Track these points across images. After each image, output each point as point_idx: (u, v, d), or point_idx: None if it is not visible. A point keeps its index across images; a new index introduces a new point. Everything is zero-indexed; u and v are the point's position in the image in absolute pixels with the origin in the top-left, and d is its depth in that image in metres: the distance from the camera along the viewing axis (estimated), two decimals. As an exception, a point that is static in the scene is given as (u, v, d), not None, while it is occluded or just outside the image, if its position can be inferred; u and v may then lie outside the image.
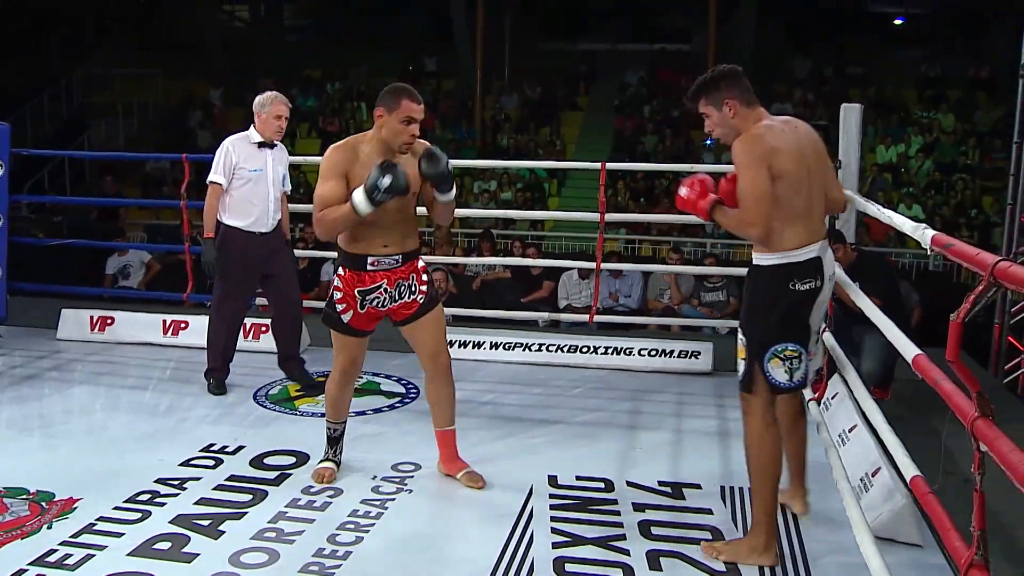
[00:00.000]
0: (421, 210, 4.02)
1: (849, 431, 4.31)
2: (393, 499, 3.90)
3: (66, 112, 18.94)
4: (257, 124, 5.33)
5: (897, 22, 22.38)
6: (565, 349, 6.15)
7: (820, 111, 15.67)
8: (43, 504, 3.77)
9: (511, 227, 13.57)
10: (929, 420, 4.82)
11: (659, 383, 5.79)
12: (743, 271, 6.83)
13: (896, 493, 3.52)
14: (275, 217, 5.40)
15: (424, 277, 3.96)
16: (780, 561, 3.37)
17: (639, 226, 13.83)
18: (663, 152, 16.58)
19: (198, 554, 3.38)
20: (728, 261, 11.89)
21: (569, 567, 3.32)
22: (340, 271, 3.84)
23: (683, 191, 3.41)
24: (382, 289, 3.82)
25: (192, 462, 4.29)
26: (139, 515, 3.69)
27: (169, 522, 3.63)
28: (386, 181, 3.52)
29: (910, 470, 2.90)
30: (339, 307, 3.85)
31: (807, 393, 3.90)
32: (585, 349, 6.13)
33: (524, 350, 6.20)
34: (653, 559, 3.39)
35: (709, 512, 3.84)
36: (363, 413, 5.02)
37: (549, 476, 4.16)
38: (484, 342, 6.24)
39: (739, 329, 3.46)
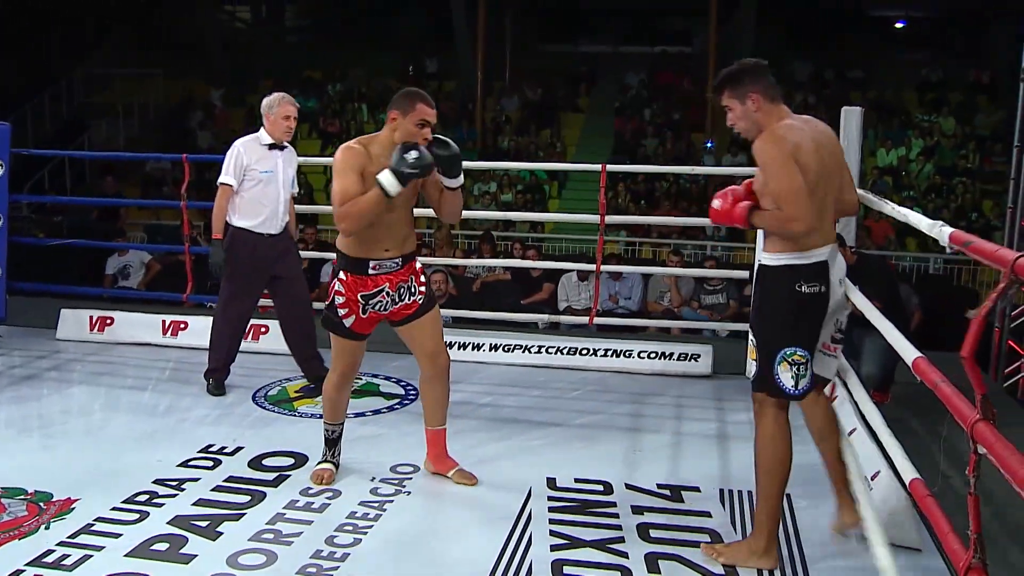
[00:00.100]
0: (418, 212, 4.02)
1: (849, 434, 4.30)
2: (391, 501, 3.90)
3: (66, 112, 18.95)
4: (266, 126, 5.32)
5: (898, 25, 22.40)
6: (564, 351, 6.15)
7: (821, 114, 15.58)
8: (41, 504, 3.76)
9: (511, 229, 13.57)
10: (929, 423, 4.82)
11: (659, 385, 5.79)
12: (744, 274, 6.89)
13: (895, 496, 3.51)
14: (284, 219, 5.40)
15: (422, 278, 3.98)
16: (780, 565, 3.37)
17: (639, 228, 13.82)
18: (663, 154, 16.57)
19: (196, 555, 3.37)
20: (728, 264, 11.88)
21: (567, 569, 3.32)
22: (342, 276, 3.83)
23: (716, 203, 3.39)
24: (384, 293, 3.83)
25: (191, 463, 4.29)
26: (137, 516, 3.68)
27: (167, 523, 3.63)
28: (412, 155, 3.58)
29: (909, 473, 2.90)
30: (341, 312, 3.84)
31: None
32: (584, 351, 6.12)
33: (523, 352, 6.19)
34: (651, 562, 3.39)
35: (708, 515, 3.84)
36: (362, 414, 5.02)
37: (548, 478, 4.15)
38: (483, 344, 6.23)
39: (749, 329, 3.44)
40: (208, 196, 15.28)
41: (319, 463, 4.15)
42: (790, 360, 3.24)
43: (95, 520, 3.63)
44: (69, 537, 3.48)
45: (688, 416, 5.20)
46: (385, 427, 4.88)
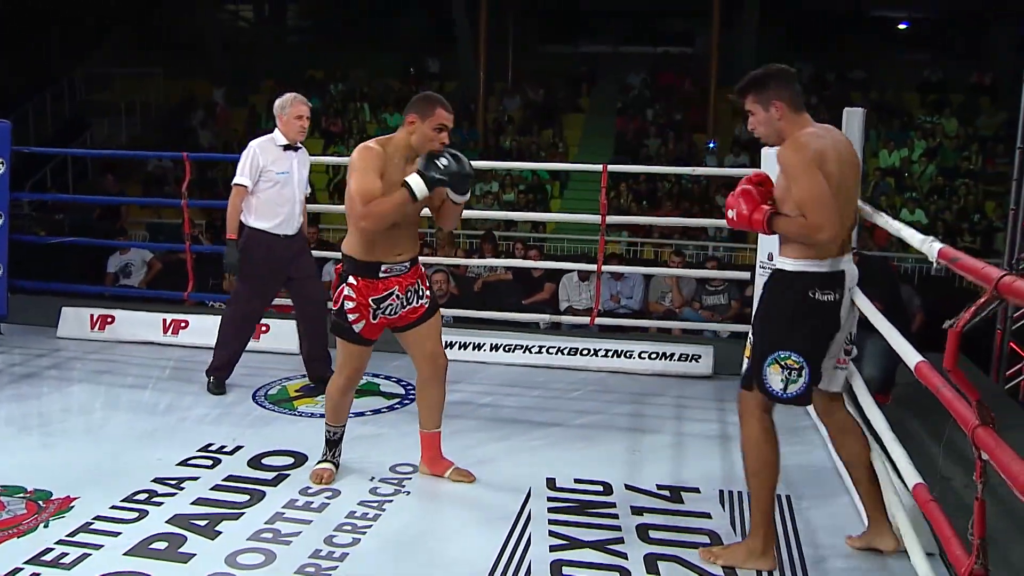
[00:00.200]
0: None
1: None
2: (391, 500, 3.89)
3: (68, 111, 18.96)
4: (279, 126, 5.32)
5: (900, 26, 22.37)
6: (565, 351, 6.14)
7: (823, 115, 15.59)
8: (40, 503, 3.76)
9: (513, 229, 13.58)
10: (930, 425, 4.81)
11: (659, 386, 5.78)
12: (745, 274, 6.87)
13: (903, 499, 3.50)
14: (300, 220, 5.40)
15: (427, 281, 3.99)
16: (779, 565, 3.36)
17: (641, 228, 13.82)
18: (665, 155, 16.57)
19: (194, 554, 3.37)
20: (730, 264, 11.89)
21: (566, 570, 3.31)
22: (351, 280, 3.80)
23: (731, 213, 3.35)
24: (394, 296, 3.83)
25: (190, 462, 4.28)
26: (136, 514, 3.68)
27: (166, 522, 3.62)
28: (443, 162, 3.62)
29: (912, 478, 2.89)
30: (351, 317, 3.82)
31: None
32: (585, 351, 6.11)
33: (524, 352, 6.18)
34: (651, 563, 3.38)
35: (707, 516, 3.83)
36: (362, 414, 5.01)
37: (547, 479, 4.14)
38: (484, 344, 6.23)
39: (751, 327, 3.43)
40: (209, 195, 15.36)
41: (319, 462, 4.14)
42: (782, 363, 3.22)
43: (94, 518, 3.62)
44: (68, 535, 3.47)
45: (688, 417, 5.20)
46: (385, 427, 4.87)
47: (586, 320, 6.47)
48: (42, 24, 19.54)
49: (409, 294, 3.87)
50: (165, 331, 6.55)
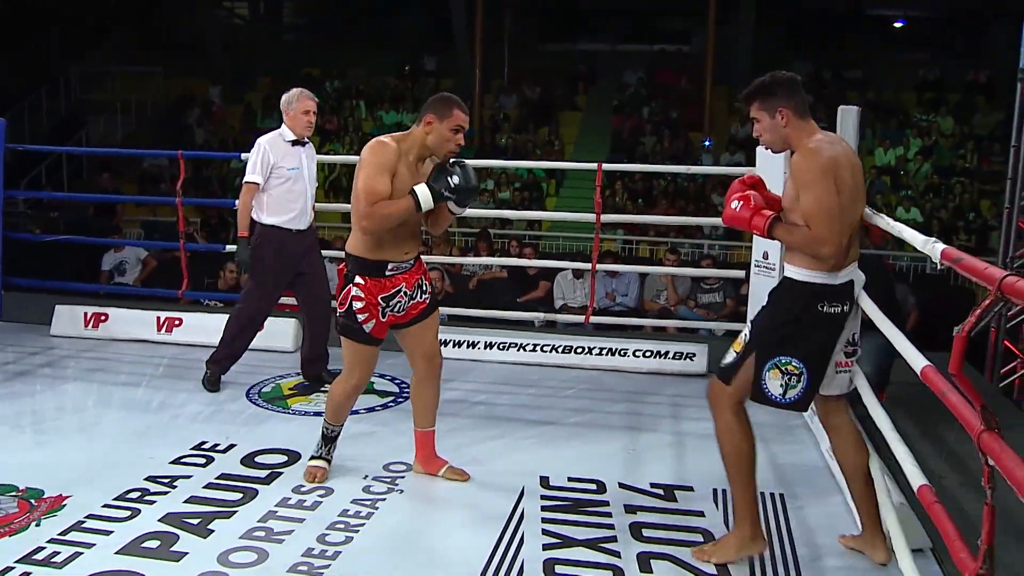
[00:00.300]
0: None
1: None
2: (384, 499, 3.88)
3: (64, 109, 18.92)
4: (287, 122, 5.31)
5: (896, 25, 22.38)
6: (559, 349, 6.14)
7: (819, 114, 15.57)
8: (32, 501, 3.75)
9: (508, 227, 13.57)
10: (925, 424, 4.82)
11: (653, 384, 5.78)
12: (740, 273, 6.86)
13: (892, 497, 3.50)
14: (311, 215, 5.40)
15: (429, 276, 4.00)
16: (772, 564, 3.36)
17: (637, 227, 13.82)
18: (661, 153, 16.56)
19: (187, 553, 3.36)
20: (725, 263, 11.88)
21: (559, 569, 3.31)
22: (359, 280, 3.77)
23: (735, 204, 3.32)
24: (402, 292, 3.82)
25: (183, 460, 4.28)
26: (128, 513, 3.67)
27: (158, 520, 3.61)
28: (455, 180, 3.63)
29: (917, 479, 2.88)
30: (360, 317, 3.78)
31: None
32: (580, 350, 6.11)
33: (518, 350, 6.18)
34: (644, 561, 3.38)
35: (701, 515, 3.82)
36: (356, 412, 4.96)
37: (541, 477, 4.14)
38: (478, 342, 6.22)
39: (749, 323, 3.41)
40: (204, 193, 15.30)
41: (313, 459, 4.11)
42: (782, 368, 3.21)
43: (86, 517, 3.61)
44: (60, 534, 3.47)
45: (683, 415, 5.19)
46: (378, 425, 4.87)
47: (581, 318, 6.47)
48: (39, 23, 19.50)
49: (414, 290, 3.87)
50: (159, 329, 6.53)
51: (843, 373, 3.38)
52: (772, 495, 3.99)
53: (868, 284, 5.10)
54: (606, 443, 4.68)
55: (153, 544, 3.42)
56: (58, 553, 3.32)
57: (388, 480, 4.07)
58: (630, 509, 3.85)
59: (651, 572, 3.31)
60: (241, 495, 3.88)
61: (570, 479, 4.15)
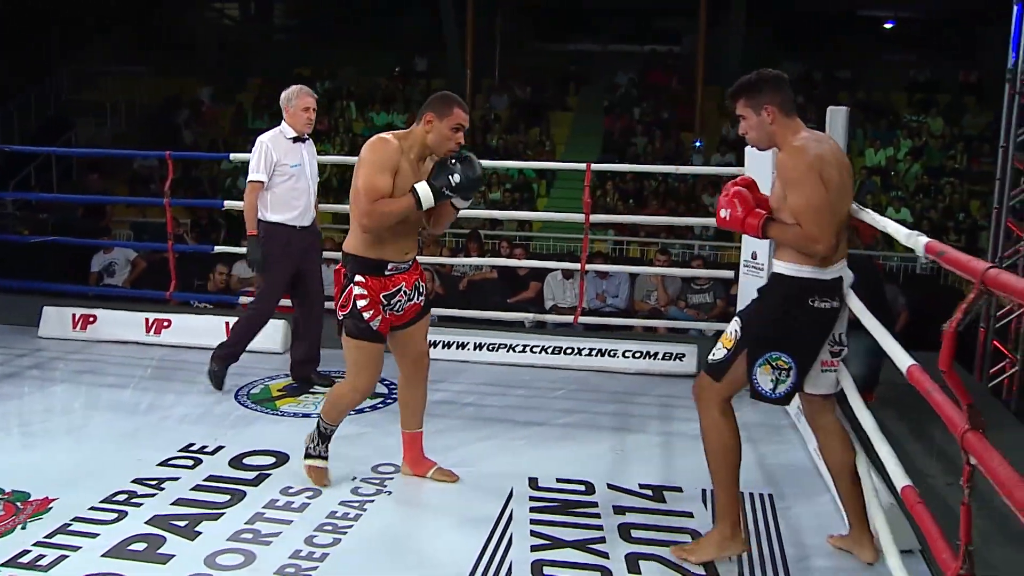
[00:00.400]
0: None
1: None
2: (372, 500, 3.87)
3: (53, 109, 18.86)
4: (287, 119, 5.29)
5: (887, 26, 22.42)
6: (549, 350, 6.13)
7: (810, 115, 15.59)
8: (18, 504, 3.73)
9: (499, 227, 13.56)
10: (914, 424, 4.82)
11: (643, 385, 5.77)
12: (730, 273, 6.86)
13: (881, 498, 3.50)
14: (314, 211, 5.39)
15: (424, 278, 3.98)
16: (749, 568, 3.36)
17: (627, 227, 13.82)
18: (653, 153, 16.58)
19: (173, 555, 3.35)
20: (716, 263, 11.89)
21: (547, 570, 3.30)
22: (360, 279, 3.73)
23: (724, 212, 3.33)
24: (402, 292, 3.79)
25: (171, 462, 4.26)
26: (115, 515, 3.65)
27: (145, 523, 3.60)
28: (456, 178, 3.60)
29: (901, 480, 2.88)
30: (366, 315, 3.73)
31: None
32: (569, 350, 6.10)
33: (508, 351, 6.17)
34: (632, 562, 3.38)
35: (689, 515, 3.82)
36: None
37: (530, 478, 4.13)
38: (467, 343, 6.21)
39: (737, 318, 3.40)
40: (194, 194, 15.24)
41: (310, 458, 4.02)
42: (773, 364, 3.21)
43: (72, 520, 3.60)
44: (46, 537, 3.45)
45: (672, 416, 5.19)
46: (367, 426, 4.85)
47: (571, 319, 6.46)
48: (30, 22, 19.44)
49: (412, 291, 3.85)
50: (147, 330, 6.51)
51: (829, 372, 3.38)
52: (760, 495, 3.99)
53: (857, 284, 5.11)
54: (595, 444, 4.68)
55: (140, 546, 3.40)
56: (43, 556, 3.30)
57: (376, 482, 4.06)
58: (618, 510, 3.84)
59: (639, 573, 3.31)
60: (229, 497, 3.87)
61: (559, 480, 4.14)
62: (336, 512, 3.73)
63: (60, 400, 5.25)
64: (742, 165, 5.62)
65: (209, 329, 6.40)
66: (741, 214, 3.27)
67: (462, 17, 19.12)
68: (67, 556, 3.31)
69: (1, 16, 17.35)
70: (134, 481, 3.99)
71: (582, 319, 6.43)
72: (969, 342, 7.10)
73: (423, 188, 3.60)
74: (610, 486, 4.09)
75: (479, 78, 19.70)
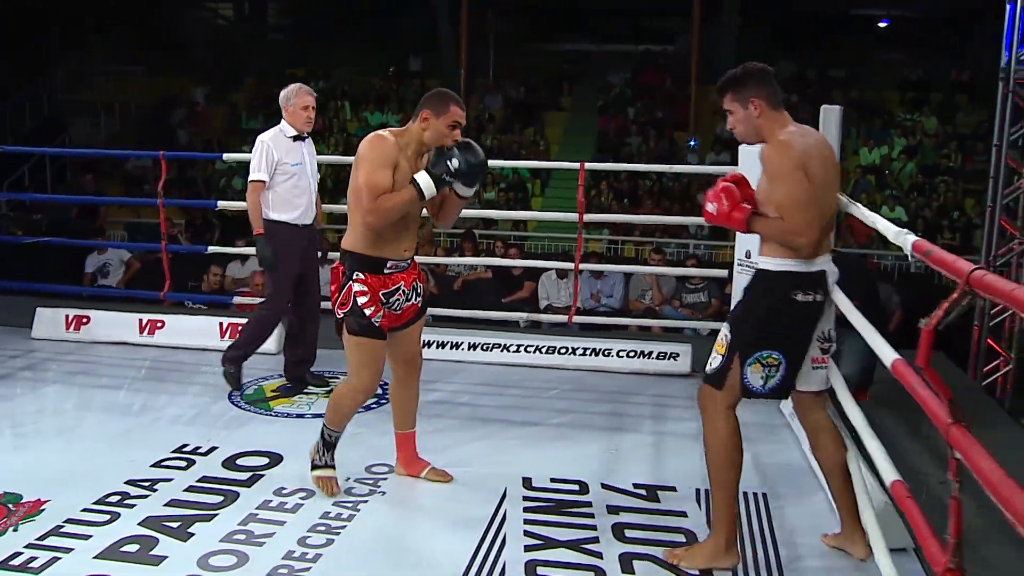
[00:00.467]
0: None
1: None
2: (366, 501, 3.86)
3: (47, 109, 18.82)
4: (286, 117, 5.28)
5: (881, 25, 22.45)
6: (543, 350, 6.12)
7: (804, 113, 15.60)
8: (10, 506, 3.71)
9: (494, 227, 13.55)
10: (908, 423, 4.82)
11: (637, 384, 5.77)
12: (724, 272, 6.86)
13: (874, 496, 3.50)
14: (315, 209, 5.37)
15: (422, 278, 3.96)
16: (755, 565, 3.36)
17: (622, 227, 13.81)
18: (647, 153, 16.57)
19: (166, 556, 3.34)
20: (709, 262, 11.89)
21: (541, 570, 3.30)
22: (359, 276, 3.70)
23: (711, 207, 3.33)
24: (400, 291, 3.77)
25: (164, 463, 4.25)
26: (108, 517, 3.64)
27: (138, 524, 3.59)
28: (454, 163, 3.58)
29: (890, 475, 2.88)
30: (367, 311, 3.69)
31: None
32: (563, 350, 6.10)
33: (502, 351, 6.16)
34: (626, 562, 3.37)
35: (683, 515, 3.82)
36: (339, 414, 4.98)
37: (524, 478, 4.13)
38: (462, 343, 6.20)
39: (726, 324, 3.39)
40: (188, 194, 15.21)
41: (316, 468, 3.94)
42: (763, 362, 3.21)
43: (65, 521, 3.58)
44: (38, 539, 3.44)
45: (666, 415, 5.19)
46: (361, 426, 4.80)
47: (565, 319, 6.46)
48: (23, 22, 19.39)
49: (411, 291, 3.82)
50: (141, 331, 6.49)
51: (819, 369, 3.38)
52: (755, 495, 3.98)
53: (851, 283, 5.11)
54: (589, 444, 4.67)
55: (132, 548, 3.39)
56: (35, 558, 3.29)
57: (370, 482, 4.05)
58: (612, 510, 3.84)
59: (633, 573, 3.30)
60: (222, 498, 3.86)
61: (553, 480, 4.13)
62: (329, 513, 3.72)
63: (53, 401, 5.23)
64: (736, 164, 5.62)
65: (203, 330, 6.40)
66: (727, 208, 3.28)
67: (456, 17, 19.10)
68: (59, 558, 3.30)
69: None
70: (127, 482, 3.98)
71: (576, 319, 6.43)
72: (963, 341, 7.12)
73: (422, 177, 3.58)
74: (604, 486, 4.09)
75: (473, 78, 19.67)
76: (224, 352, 5.44)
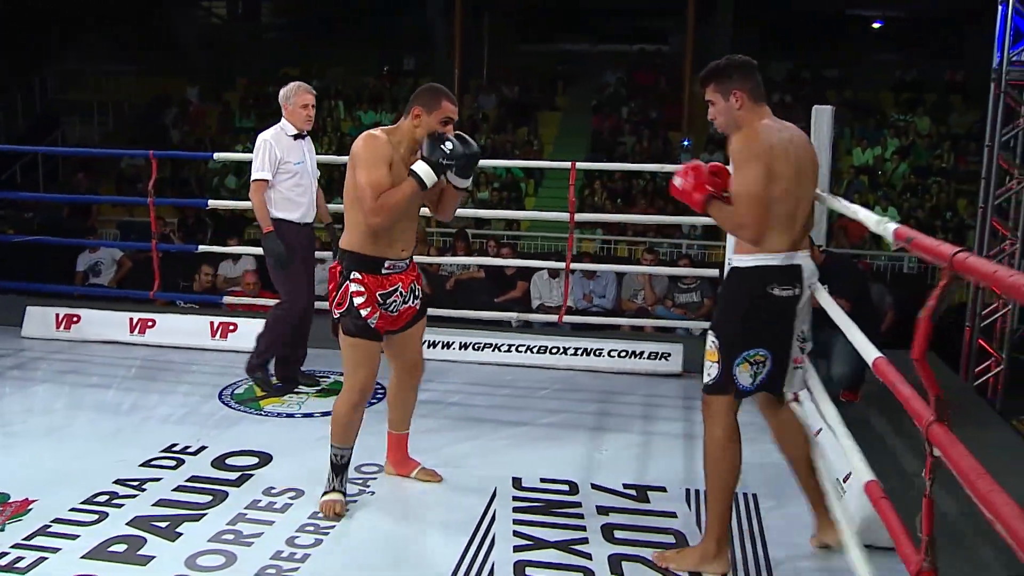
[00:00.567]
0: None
1: (815, 434, 4.28)
2: (355, 501, 3.85)
3: (40, 108, 18.78)
4: (286, 116, 5.25)
5: (875, 26, 22.47)
6: (535, 350, 6.12)
7: (798, 114, 15.59)
8: (-3, 505, 3.71)
9: (487, 227, 13.54)
10: (897, 423, 4.82)
11: (628, 384, 5.76)
12: (717, 272, 6.86)
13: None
14: (315, 207, 5.35)
15: (421, 280, 3.92)
16: (744, 566, 3.35)
17: (616, 226, 13.81)
18: (641, 153, 16.58)
19: (154, 556, 3.32)
20: (702, 262, 11.89)
21: (529, 571, 3.29)
22: (356, 276, 3.65)
23: (677, 180, 3.35)
24: (398, 292, 3.72)
25: (153, 462, 4.23)
26: (96, 517, 3.63)
27: (126, 524, 3.57)
28: (448, 146, 3.54)
29: (865, 475, 2.87)
30: (363, 312, 3.65)
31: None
32: (555, 350, 6.09)
33: (493, 351, 6.15)
34: (615, 563, 3.36)
35: (673, 515, 3.81)
36: (328, 414, 4.94)
37: (514, 478, 4.12)
38: (453, 342, 6.20)
39: (710, 331, 3.39)
40: (181, 193, 15.16)
41: (326, 493, 3.77)
42: (751, 360, 3.21)
43: (52, 521, 3.57)
44: (24, 539, 3.42)
45: (657, 415, 5.18)
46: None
47: (556, 318, 6.45)
48: (17, 22, 19.34)
49: (408, 293, 3.77)
50: (132, 330, 6.47)
51: (798, 370, 3.39)
52: (745, 495, 3.97)
53: (842, 284, 5.13)
54: (580, 444, 4.67)
55: (120, 548, 3.38)
56: (22, 558, 3.27)
57: (359, 482, 4.04)
58: (602, 510, 3.83)
59: (621, 574, 3.30)
60: (211, 497, 3.84)
61: (543, 480, 4.12)
62: (318, 513, 3.70)
63: (42, 400, 5.21)
64: (729, 164, 5.61)
65: (193, 329, 6.39)
66: (690, 186, 3.30)
67: (450, 16, 19.10)
68: (46, 558, 3.28)
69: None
70: (116, 482, 3.96)
71: (568, 318, 6.42)
72: (955, 341, 7.13)
73: (420, 167, 3.53)
74: (594, 486, 4.08)
75: (467, 78, 19.68)
76: (248, 363, 5.39)
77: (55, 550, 3.34)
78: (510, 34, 22.29)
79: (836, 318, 3.51)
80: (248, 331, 6.13)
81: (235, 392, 5.40)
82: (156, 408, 5.08)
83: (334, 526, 3.60)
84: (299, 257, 5.25)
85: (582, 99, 19.86)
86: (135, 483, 3.97)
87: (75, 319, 6.56)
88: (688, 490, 4.02)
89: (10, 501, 3.73)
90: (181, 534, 3.50)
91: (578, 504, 3.89)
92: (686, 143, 17.25)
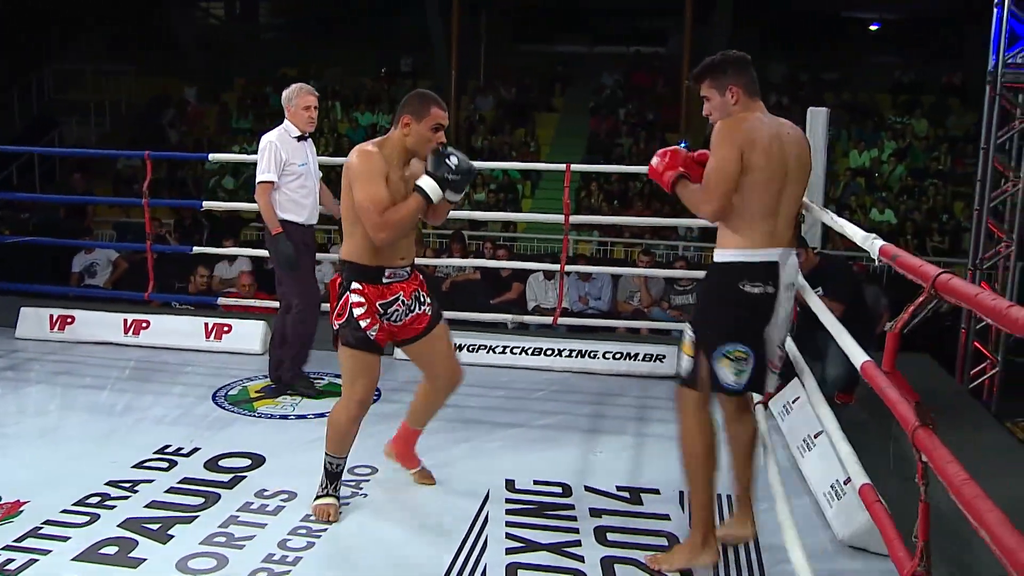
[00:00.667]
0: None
1: (814, 437, 4.29)
2: (347, 503, 3.84)
3: (37, 108, 18.75)
4: (288, 118, 5.24)
5: (873, 28, 22.48)
6: (529, 351, 6.11)
7: (795, 115, 15.55)
8: (-12, 507, 3.69)
9: (483, 228, 13.53)
10: (891, 426, 4.80)
11: (623, 386, 5.76)
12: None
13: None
14: (318, 209, 5.34)
15: (426, 287, 3.86)
16: (725, 563, 3.35)
17: (612, 228, 13.80)
18: (638, 154, 16.55)
19: (145, 559, 3.32)
20: (698, 264, 11.87)
21: (522, 573, 3.29)
22: (356, 286, 3.62)
23: (655, 160, 3.39)
24: (400, 301, 3.68)
25: (145, 464, 4.23)
26: (87, 518, 3.62)
27: (118, 526, 3.57)
28: (453, 161, 3.52)
29: (859, 478, 2.87)
30: (363, 323, 3.61)
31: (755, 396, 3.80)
32: (550, 352, 6.09)
33: (488, 352, 6.15)
34: (607, 565, 3.36)
35: (666, 518, 3.81)
36: (323, 415, 4.93)
37: (507, 480, 4.12)
38: (448, 344, 6.18)
39: (687, 324, 3.38)
40: (178, 195, 15.14)
41: (319, 498, 3.76)
42: (731, 356, 3.19)
43: (43, 523, 3.56)
44: (15, 541, 3.41)
45: (651, 417, 5.18)
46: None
47: (551, 320, 6.44)
48: (12, 20, 19.33)
49: (412, 301, 3.73)
50: (126, 331, 6.46)
51: (772, 374, 3.38)
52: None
53: (837, 286, 5.12)
54: (573, 446, 4.66)
55: (111, 550, 3.37)
56: (12, 560, 3.26)
57: (352, 484, 4.03)
58: (595, 513, 3.83)
59: (614, 576, 3.29)
60: (203, 500, 3.84)
61: (536, 482, 4.12)
62: (311, 515, 3.70)
63: (35, 401, 5.20)
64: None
65: (187, 330, 6.38)
66: (662, 167, 3.36)
67: (447, 17, 19.08)
68: (36, 560, 3.27)
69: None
70: (108, 483, 3.96)
71: (563, 320, 6.41)
72: (950, 344, 7.12)
73: (426, 182, 3.49)
74: (587, 488, 4.08)
75: (464, 79, 19.66)
76: (281, 378, 5.37)
77: (46, 552, 3.34)
78: (507, 35, 22.28)
79: (826, 321, 3.50)
80: (242, 332, 6.14)
81: (229, 393, 5.39)
82: (149, 409, 5.07)
83: (326, 529, 3.60)
84: (306, 258, 5.25)
85: (579, 100, 19.85)
86: (127, 484, 3.97)
87: (69, 320, 6.55)
88: (682, 492, 4.00)
89: (1, 503, 3.73)
90: (173, 536, 3.50)
91: (571, 506, 3.88)
92: (683, 145, 17.17)
